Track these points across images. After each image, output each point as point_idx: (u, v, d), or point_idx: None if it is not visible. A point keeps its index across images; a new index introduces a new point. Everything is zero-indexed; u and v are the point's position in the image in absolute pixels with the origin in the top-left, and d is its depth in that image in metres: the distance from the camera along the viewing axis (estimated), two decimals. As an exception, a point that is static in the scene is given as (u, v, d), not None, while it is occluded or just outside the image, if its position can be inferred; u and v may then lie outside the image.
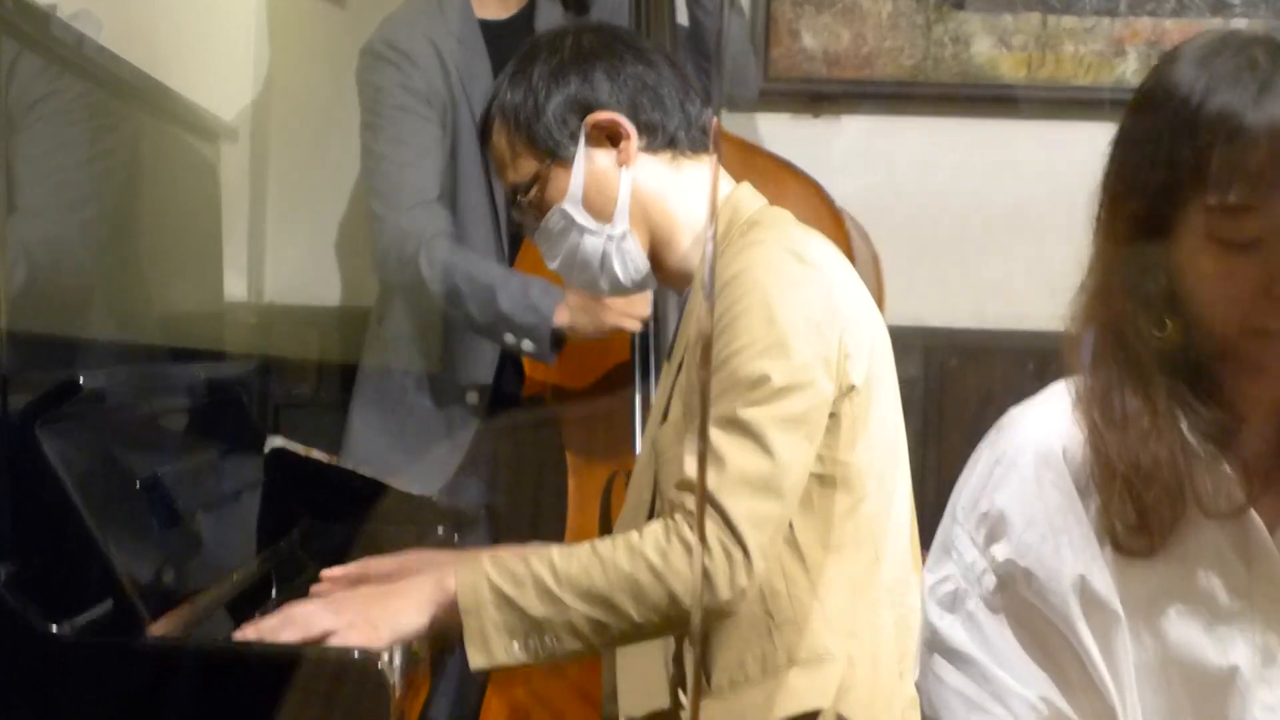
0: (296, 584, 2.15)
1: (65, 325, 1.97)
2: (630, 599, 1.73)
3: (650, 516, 1.89)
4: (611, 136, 1.96)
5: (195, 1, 3.05)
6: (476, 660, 1.75)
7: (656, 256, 2.00)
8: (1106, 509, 1.34)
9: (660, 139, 1.98)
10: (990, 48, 3.29)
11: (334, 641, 1.74)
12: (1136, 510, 1.32)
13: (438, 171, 2.84)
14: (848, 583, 1.87)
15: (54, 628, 1.63)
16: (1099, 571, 1.34)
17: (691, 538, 1.72)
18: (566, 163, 1.97)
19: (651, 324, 2.64)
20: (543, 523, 2.82)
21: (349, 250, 3.29)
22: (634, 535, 1.76)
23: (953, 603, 1.41)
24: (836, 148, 3.24)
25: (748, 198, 1.99)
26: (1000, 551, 1.38)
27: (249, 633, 1.75)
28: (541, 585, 1.74)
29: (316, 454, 2.45)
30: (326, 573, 2.02)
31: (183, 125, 2.49)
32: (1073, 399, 1.39)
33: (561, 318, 2.62)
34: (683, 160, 1.99)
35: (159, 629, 1.68)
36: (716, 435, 1.76)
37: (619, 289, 2.03)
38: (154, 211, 2.33)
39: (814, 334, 1.80)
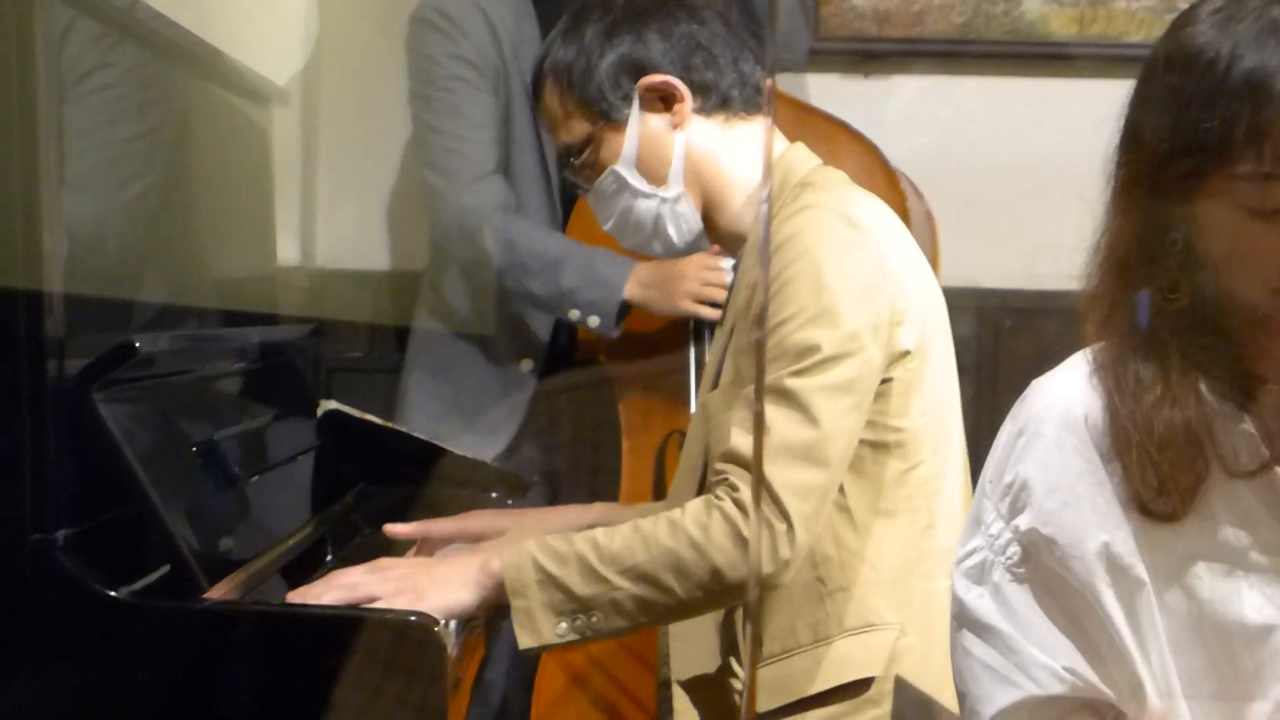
0: (351, 548, 2.16)
1: (120, 290, 1.97)
2: (673, 574, 1.72)
3: (702, 480, 1.89)
4: (665, 99, 1.95)
5: (245, -36, 3.04)
6: (525, 641, 1.75)
7: (708, 218, 1.99)
8: (1128, 475, 1.33)
9: (714, 99, 1.97)
10: (1041, 4, 3.26)
11: (379, 606, 1.74)
12: (1156, 476, 1.32)
13: (493, 142, 2.82)
14: (901, 549, 1.87)
15: (112, 592, 1.64)
16: (1124, 537, 1.34)
17: (732, 510, 1.72)
18: (619, 125, 1.96)
19: None
20: (599, 484, 2.82)
21: (401, 214, 3.28)
22: (676, 511, 1.76)
23: (979, 575, 1.42)
24: (887, 107, 3.22)
25: (801, 158, 1.97)
26: (1024, 521, 1.38)
27: (295, 600, 1.76)
28: (585, 563, 1.74)
29: (371, 417, 2.46)
30: (388, 527, 2.03)
31: (234, 89, 2.48)
32: (1091, 366, 1.38)
33: (632, 292, 2.61)
34: (736, 121, 1.98)
35: (216, 593, 1.69)
36: (765, 404, 1.75)
37: (673, 251, 2.03)
38: (207, 176, 2.33)
39: (863, 300, 1.79)
